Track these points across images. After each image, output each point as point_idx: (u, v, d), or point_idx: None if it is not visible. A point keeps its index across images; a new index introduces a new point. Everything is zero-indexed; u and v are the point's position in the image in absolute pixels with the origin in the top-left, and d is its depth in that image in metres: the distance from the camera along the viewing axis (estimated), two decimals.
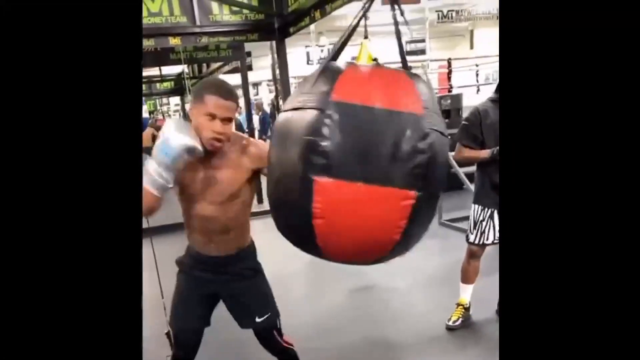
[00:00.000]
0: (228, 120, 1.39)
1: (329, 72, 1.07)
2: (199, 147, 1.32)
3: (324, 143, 0.96)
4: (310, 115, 0.99)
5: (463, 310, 2.53)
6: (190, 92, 1.47)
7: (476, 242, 2.41)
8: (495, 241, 2.38)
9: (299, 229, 1.07)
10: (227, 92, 1.38)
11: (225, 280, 1.60)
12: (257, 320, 1.62)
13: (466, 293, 2.54)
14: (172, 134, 1.28)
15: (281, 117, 1.11)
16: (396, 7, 1.23)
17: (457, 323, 2.51)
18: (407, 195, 0.99)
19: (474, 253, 2.47)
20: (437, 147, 1.01)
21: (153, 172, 1.30)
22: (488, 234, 2.37)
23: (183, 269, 1.64)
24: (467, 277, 2.51)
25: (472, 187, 4.52)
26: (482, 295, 2.56)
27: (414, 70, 1.39)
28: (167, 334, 1.96)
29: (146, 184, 1.30)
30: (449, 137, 1.12)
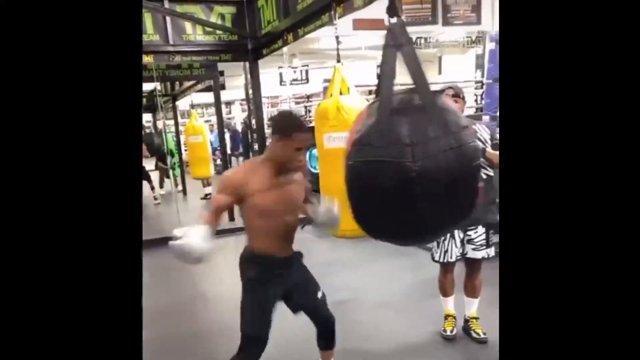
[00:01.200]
0: (307, 147, 1.80)
1: (447, 112, 1.39)
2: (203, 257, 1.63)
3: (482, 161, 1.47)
4: (477, 146, 1.42)
5: (453, 320, 2.62)
6: (275, 129, 1.82)
7: (441, 260, 2.51)
8: (459, 257, 2.47)
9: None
10: (307, 127, 1.76)
11: (290, 274, 1.91)
12: (319, 296, 1.98)
13: (449, 305, 2.65)
14: (193, 246, 1.58)
15: (439, 157, 1.30)
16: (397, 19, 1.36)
17: (453, 332, 2.61)
18: None
19: (446, 268, 2.56)
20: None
21: (175, 239, 1.58)
22: (451, 252, 2.46)
23: (255, 279, 1.85)
24: (445, 290, 2.63)
25: None
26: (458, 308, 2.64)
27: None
28: None
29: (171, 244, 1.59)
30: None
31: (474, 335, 2.57)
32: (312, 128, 2.79)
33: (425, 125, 1.29)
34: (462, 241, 2.46)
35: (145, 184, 7.88)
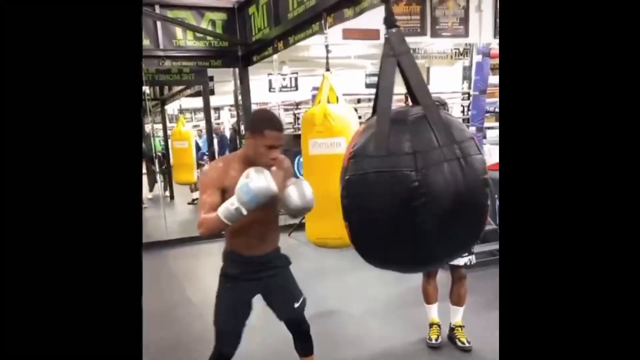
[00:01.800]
0: (280, 145, 1.73)
1: (452, 123, 1.31)
2: (276, 190, 1.59)
3: (487, 176, 1.28)
4: (482, 159, 1.27)
5: (438, 328, 2.64)
6: (249, 125, 1.81)
7: None
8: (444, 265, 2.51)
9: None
10: (281, 126, 1.72)
11: (270, 275, 1.89)
12: (295, 306, 1.93)
13: (433, 312, 2.68)
14: (260, 180, 1.55)
15: (444, 167, 1.22)
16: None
17: (438, 341, 2.63)
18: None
19: (429, 275, 2.59)
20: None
21: (230, 206, 1.58)
22: None
23: (230, 277, 1.86)
24: (429, 297, 2.67)
25: None
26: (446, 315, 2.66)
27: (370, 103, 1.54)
28: None
29: (220, 212, 1.59)
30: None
31: (459, 343, 2.60)
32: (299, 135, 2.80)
33: (428, 134, 1.21)
34: None
35: None
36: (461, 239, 1.30)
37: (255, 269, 1.86)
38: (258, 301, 1.94)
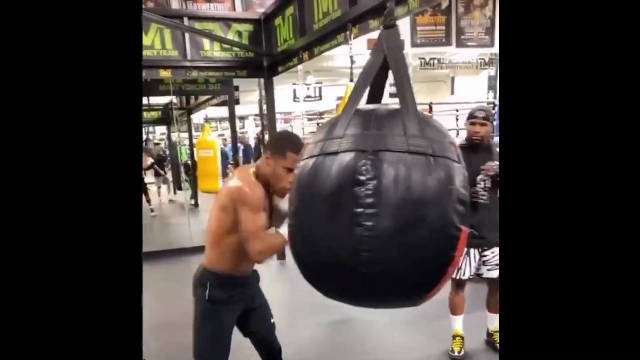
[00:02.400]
0: None
1: (431, 122, 1.10)
2: None
3: (465, 193, 1.01)
4: (452, 166, 1.00)
5: (461, 340, 2.61)
6: (269, 146, 1.70)
7: (453, 276, 2.51)
8: (471, 276, 2.48)
9: (422, 279, 1.02)
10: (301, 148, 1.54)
11: (253, 293, 1.83)
12: (272, 320, 1.88)
13: (458, 324, 2.66)
14: None
15: (403, 158, 0.99)
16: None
17: (461, 353, 2.61)
18: None
19: (458, 285, 2.57)
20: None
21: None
22: (465, 270, 2.47)
23: (219, 300, 1.71)
24: (456, 308, 2.64)
25: None
26: (470, 327, 2.68)
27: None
28: None
29: (285, 236, 1.50)
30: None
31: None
32: None
33: (395, 122, 1.02)
34: (477, 261, 2.48)
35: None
36: (405, 265, 0.98)
37: (243, 289, 1.77)
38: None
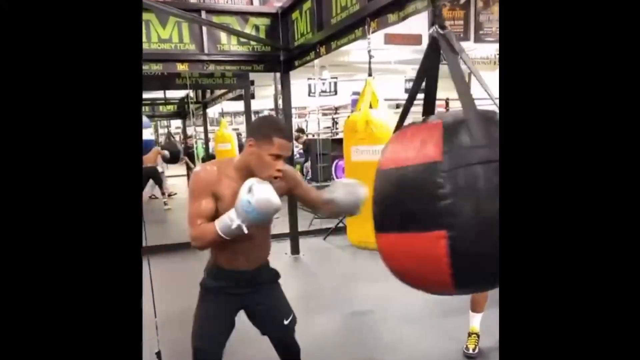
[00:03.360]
0: (287, 156, 1.55)
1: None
2: (280, 206, 1.45)
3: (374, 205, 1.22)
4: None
5: (476, 338, 2.59)
6: (253, 132, 1.59)
7: None
8: None
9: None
10: (290, 134, 1.56)
11: (254, 291, 1.73)
12: (285, 322, 1.77)
13: (476, 321, 2.63)
14: (263, 196, 1.40)
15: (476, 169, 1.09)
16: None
17: (476, 351, 2.59)
18: (439, 235, 1.07)
19: None
20: (464, 184, 1.07)
21: (230, 222, 1.44)
22: None
23: (210, 289, 1.72)
24: (477, 305, 2.61)
25: None
26: (488, 324, 2.62)
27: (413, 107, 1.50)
28: (158, 353, 1.99)
29: (219, 228, 1.45)
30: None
31: None
32: (340, 140, 2.82)
33: (463, 134, 1.12)
34: None
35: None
36: (484, 252, 1.04)
37: (238, 284, 1.70)
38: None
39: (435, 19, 1.31)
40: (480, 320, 2.62)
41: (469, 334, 2.63)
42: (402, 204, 1.14)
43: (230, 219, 1.43)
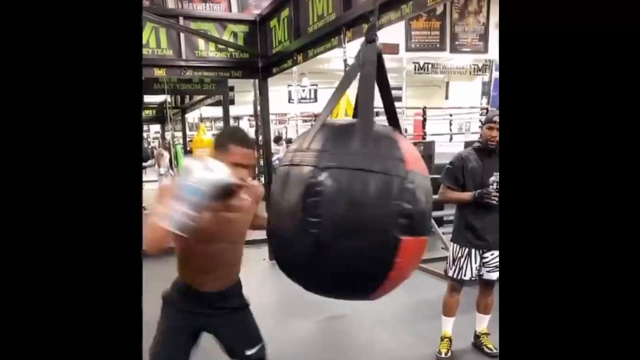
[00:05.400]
0: (249, 166, 1.48)
1: (386, 139, 1.20)
2: (233, 180, 1.32)
3: (409, 207, 1.11)
4: (392, 181, 1.10)
5: (449, 342, 2.65)
6: (215, 143, 1.52)
7: (455, 277, 2.56)
8: (473, 278, 2.52)
9: (366, 280, 1.18)
10: (249, 142, 1.49)
11: (217, 314, 1.64)
12: (247, 353, 1.66)
13: (449, 326, 2.68)
14: (204, 173, 1.24)
15: (344, 174, 1.11)
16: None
17: (448, 355, 2.64)
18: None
19: (454, 287, 2.62)
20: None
21: (176, 212, 1.23)
22: (466, 270, 2.51)
23: (171, 304, 1.64)
24: (449, 310, 2.66)
25: (439, 230, 4.64)
26: (459, 328, 2.71)
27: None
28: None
29: (166, 224, 1.23)
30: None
31: (486, 350, 2.66)
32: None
33: (348, 139, 1.15)
34: (478, 262, 2.52)
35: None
36: (351, 265, 1.12)
37: (201, 305, 1.61)
38: None
39: (367, 31, 1.31)
40: (452, 324, 2.67)
41: (442, 338, 2.68)
42: (428, 212, 1.25)
43: (176, 201, 1.23)
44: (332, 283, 1.20)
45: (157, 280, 1.71)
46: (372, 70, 1.26)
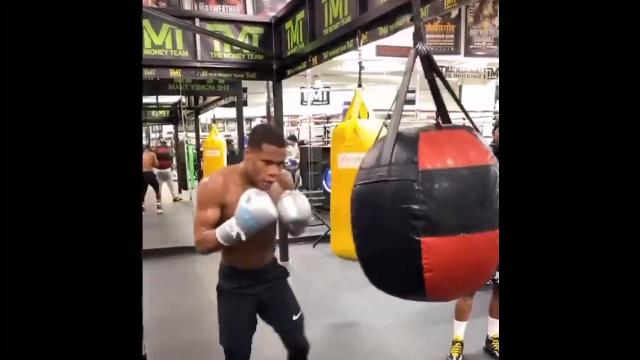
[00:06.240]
0: (281, 163, 1.66)
1: (405, 142, 1.23)
2: (276, 215, 1.57)
3: (423, 208, 1.12)
4: (401, 185, 1.16)
5: (460, 346, 2.63)
6: (248, 140, 1.70)
7: None
8: (488, 282, 2.49)
9: (407, 283, 1.22)
10: (281, 141, 1.65)
11: (267, 286, 1.85)
12: (294, 318, 1.88)
13: (460, 330, 2.67)
14: (261, 207, 1.51)
15: (363, 189, 1.30)
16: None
17: (459, 359, 2.62)
18: (496, 235, 1.10)
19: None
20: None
21: (230, 230, 1.53)
22: None
23: (227, 294, 1.83)
24: (461, 314, 2.65)
25: None
26: (471, 332, 2.69)
27: (406, 119, 1.57)
28: (143, 357, 1.99)
29: (220, 236, 1.55)
30: None
31: (498, 354, 2.62)
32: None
33: (378, 153, 1.25)
34: None
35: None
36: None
37: (252, 282, 1.82)
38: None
39: (415, 37, 1.37)
40: (464, 329, 2.66)
41: (453, 342, 2.66)
42: (463, 205, 1.16)
43: (230, 227, 1.53)
44: (381, 282, 1.33)
45: (157, 279, 1.74)
46: (406, 80, 1.36)
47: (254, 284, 1.82)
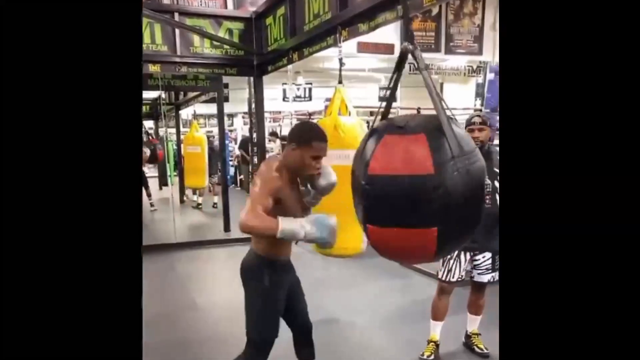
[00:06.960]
0: (324, 156, 1.82)
1: (373, 141, 1.45)
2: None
3: (367, 204, 1.44)
4: (357, 184, 1.47)
5: (435, 346, 2.64)
6: (294, 137, 1.83)
7: (443, 278, 2.56)
8: (460, 279, 2.52)
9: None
10: (325, 137, 1.80)
11: (293, 275, 1.98)
12: (307, 310, 2.02)
13: (437, 330, 2.67)
14: (335, 231, 1.69)
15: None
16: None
17: (431, 358, 2.63)
18: (430, 231, 1.38)
19: (444, 290, 2.61)
20: (453, 191, 1.33)
21: (299, 229, 1.63)
22: (454, 272, 2.51)
23: (274, 284, 1.85)
24: (438, 313, 2.65)
25: None
26: (451, 328, 2.72)
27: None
28: None
29: (283, 227, 1.60)
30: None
31: (477, 350, 2.68)
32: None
33: (445, 147, 1.38)
34: (467, 264, 2.53)
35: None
36: (463, 235, 1.50)
37: (290, 270, 1.95)
38: None
39: (405, 37, 1.44)
40: (440, 329, 2.67)
41: (428, 342, 2.67)
42: (397, 206, 1.38)
43: (301, 227, 1.63)
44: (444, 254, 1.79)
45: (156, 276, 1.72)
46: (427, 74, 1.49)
47: (291, 272, 1.96)
